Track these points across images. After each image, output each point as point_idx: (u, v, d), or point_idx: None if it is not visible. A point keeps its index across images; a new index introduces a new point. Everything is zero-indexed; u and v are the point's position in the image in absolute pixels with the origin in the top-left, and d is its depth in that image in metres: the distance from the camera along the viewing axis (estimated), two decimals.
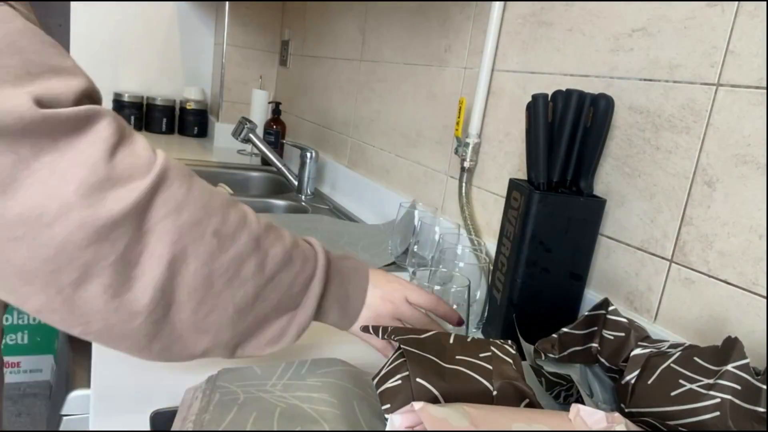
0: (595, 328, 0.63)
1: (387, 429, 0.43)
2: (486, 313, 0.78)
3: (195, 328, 0.47)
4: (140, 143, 0.45)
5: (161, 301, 0.44)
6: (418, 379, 0.49)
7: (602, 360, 0.61)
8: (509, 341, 0.57)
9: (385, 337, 0.57)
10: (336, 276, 0.58)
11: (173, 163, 0.46)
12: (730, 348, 0.48)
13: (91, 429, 0.51)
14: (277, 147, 1.89)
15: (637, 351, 0.56)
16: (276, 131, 1.89)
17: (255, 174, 1.85)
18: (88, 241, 0.40)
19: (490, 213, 1.03)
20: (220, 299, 0.48)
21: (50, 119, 0.40)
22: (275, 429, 0.48)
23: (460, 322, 0.64)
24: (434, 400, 0.49)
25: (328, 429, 0.49)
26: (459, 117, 1.07)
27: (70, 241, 0.40)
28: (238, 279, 0.48)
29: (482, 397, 0.50)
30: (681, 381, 0.49)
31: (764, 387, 0.46)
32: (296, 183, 1.59)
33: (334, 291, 0.58)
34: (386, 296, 0.61)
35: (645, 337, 0.59)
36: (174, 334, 0.47)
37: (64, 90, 0.42)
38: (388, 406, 0.50)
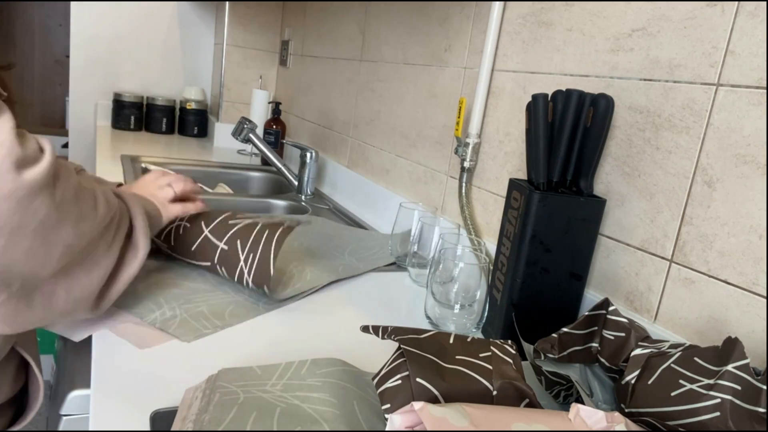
0: (595, 328, 0.63)
1: (387, 429, 0.43)
2: (486, 313, 0.78)
3: (84, 267, 0.59)
4: (25, 131, 0.53)
5: (66, 258, 0.55)
6: (418, 379, 0.50)
7: (602, 360, 0.61)
8: (509, 341, 0.57)
9: (385, 336, 0.57)
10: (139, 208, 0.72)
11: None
12: (731, 348, 0.48)
13: (91, 429, 0.51)
14: (277, 147, 1.89)
15: (638, 351, 0.56)
16: (276, 131, 1.89)
17: (255, 174, 1.86)
18: (14, 210, 0.48)
19: (490, 213, 1.03)
20: (103, 239, 0.61)
21: None
22: (275, 429, 0.48)
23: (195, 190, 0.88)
24: (434, 400, 0.49)
25: (328, 429, 0.49)
26: (459, 117, 1.07)
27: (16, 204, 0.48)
28: (112, 226, 0.62)
29: (482, 397, 0.50)
30: (681, 381, 0.49)
31: (764, 387, 0.46)
32: (296, 183, 1.59)
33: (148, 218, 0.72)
34: (158, 198, 0.80)
35: (645, 337, 0.59)
36: (71, 279, 0.58)
37: None
38: (388, 405, 0.50)
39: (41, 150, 0.52)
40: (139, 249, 0.67)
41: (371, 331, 0.58)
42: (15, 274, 0.51)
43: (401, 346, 0.54)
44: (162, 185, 0.83)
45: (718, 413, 0.45)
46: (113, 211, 0.63)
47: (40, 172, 0.50)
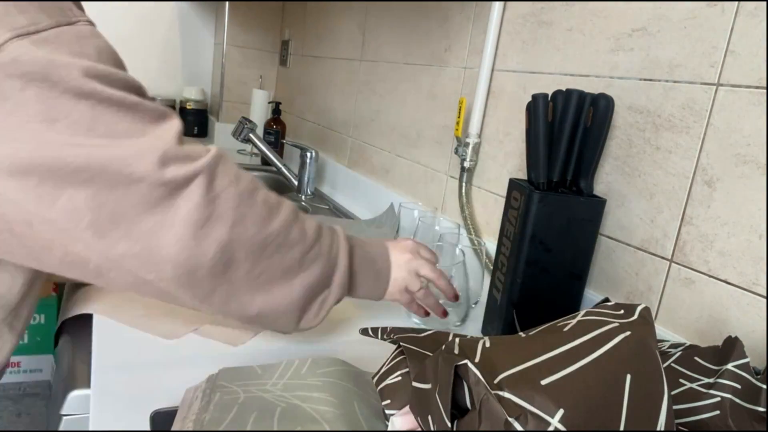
0: None
1: (388, 429, 0.43)
2: (486, 313, 0.78)
3: (249, 288, 0.54)
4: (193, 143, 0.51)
5: (222, 258, 0.50)
6: None
7: None
8: None
9: (385, 337, 0.57)
10: (360, 255, 0.65)
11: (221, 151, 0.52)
12: (731, 347, 0.48)
13: (91, 429, 0.51)
14: (277, 147, 1.89)
15: None
16: (276, 131, 1.89)
17: (255, 174, 1.85)
18: (164, 198, 0.47)
19: (490, 213, 1.03)
20: (272, 261, 0.54)
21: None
22: (275, 429, 0.48)
23: (455, 298, 0.73)
24: None
25: (328, 429, 0.49)
26: (459, 117, 1.07)
27: (148, 201, 0.46)
28: (286, 244, 0.55)
29: None
30: (681, 380, 0.49)
31: (764, 386, 0.46)
32: (296, 183, 1.59)
33: (361, 267, 0.64)
34: (403, 269, 0.69)
35: None
36: (231, 290, 0.53)
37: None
38: (388, 402, 0.50)
39: (200, 155, 0.49)
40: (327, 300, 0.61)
41: (371, 333, 0.58)
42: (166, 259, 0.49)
43: (401, 344, 0.54)
44: (416, 271, 0.69)
45: (717, 412, 0.46)
46: (308, 239, 0.57)
47: (185, 172, 0.48)
